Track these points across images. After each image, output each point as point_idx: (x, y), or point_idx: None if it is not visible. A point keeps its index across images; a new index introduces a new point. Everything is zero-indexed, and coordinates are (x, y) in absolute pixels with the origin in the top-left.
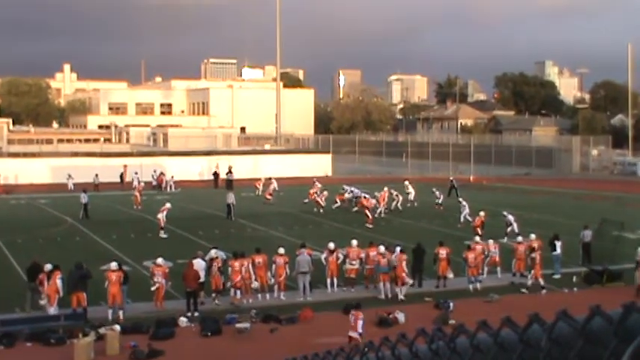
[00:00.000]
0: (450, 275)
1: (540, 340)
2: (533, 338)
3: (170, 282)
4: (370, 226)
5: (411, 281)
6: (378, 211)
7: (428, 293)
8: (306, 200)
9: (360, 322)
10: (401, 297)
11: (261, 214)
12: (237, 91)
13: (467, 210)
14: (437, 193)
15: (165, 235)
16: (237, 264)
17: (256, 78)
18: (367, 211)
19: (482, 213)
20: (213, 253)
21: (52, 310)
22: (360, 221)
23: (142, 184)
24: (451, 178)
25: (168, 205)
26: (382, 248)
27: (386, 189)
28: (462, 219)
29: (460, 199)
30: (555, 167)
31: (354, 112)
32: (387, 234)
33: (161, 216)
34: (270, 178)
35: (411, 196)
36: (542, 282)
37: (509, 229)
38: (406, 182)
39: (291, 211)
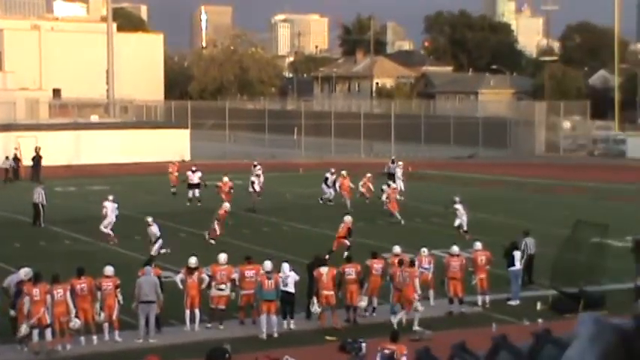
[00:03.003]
0: (362, 303)
1: None
2: None
3: None
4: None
5: (421, 308)
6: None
7: (330, 330)
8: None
9: None
10: (415, 327)
11: (85, 218)
12: (46, 35)
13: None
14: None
15: None
16: (36, 291)
17: (76, 16)
18: None
19: (347, 218)
20: (22, 273)
21: None
22: (239, 225)
23: None
24: (393, 158)
25: None
26: (269, 264)
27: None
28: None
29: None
30: (511, 146)
31: (222, 69)
32: (271, 244)
33: None
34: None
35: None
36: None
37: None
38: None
39: (130, 213)
